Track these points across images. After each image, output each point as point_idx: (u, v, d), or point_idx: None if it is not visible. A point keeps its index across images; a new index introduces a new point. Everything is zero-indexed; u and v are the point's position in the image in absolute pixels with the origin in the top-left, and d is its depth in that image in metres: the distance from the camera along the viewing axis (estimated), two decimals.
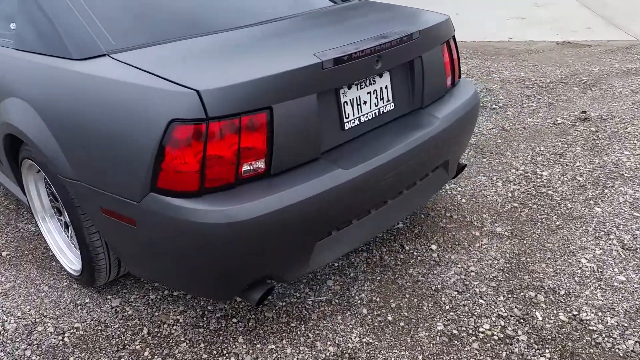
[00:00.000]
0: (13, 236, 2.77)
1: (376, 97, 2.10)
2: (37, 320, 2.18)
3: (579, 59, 5.34)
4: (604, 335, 2.01)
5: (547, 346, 1.97)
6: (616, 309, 2.12)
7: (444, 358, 1.94)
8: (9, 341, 2.08)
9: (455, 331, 2.06)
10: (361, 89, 2.04)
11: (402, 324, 2.11)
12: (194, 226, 1.64)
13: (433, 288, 2.29)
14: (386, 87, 2.14)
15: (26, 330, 2.13)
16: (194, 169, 1.63)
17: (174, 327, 2.12)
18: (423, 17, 2.41)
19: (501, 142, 3.62)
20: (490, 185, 3.08)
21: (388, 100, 2.16)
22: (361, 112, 2.05)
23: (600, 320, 2.07)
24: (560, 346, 1.97)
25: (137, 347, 2.03)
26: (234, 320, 2.15)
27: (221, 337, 2.07)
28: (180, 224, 1.65)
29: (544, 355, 1.93)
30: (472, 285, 2.29)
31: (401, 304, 2.20)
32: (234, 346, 2.03)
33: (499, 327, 2.07)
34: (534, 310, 2.14)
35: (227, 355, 1.99)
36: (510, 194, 2.97)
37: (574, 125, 3.82)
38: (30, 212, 2.65)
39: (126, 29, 1.98)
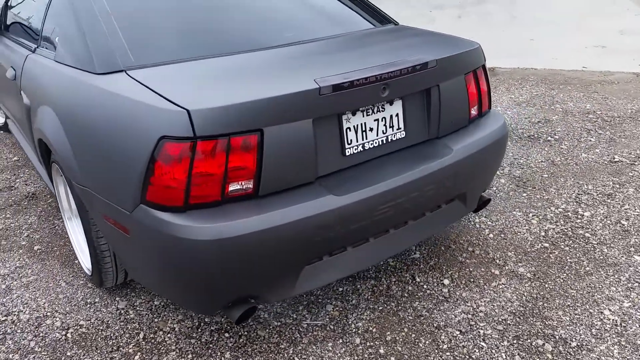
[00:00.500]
0: (48, 232, 2.96)
1: (385, 125, 2.07)
2: (48, 313, 2.31)
3: None
4: None
5: None
6: None
7: None
8: (19, 330, 2.22)
9: None
10: (367, 115, 2.01)
11: (392, 358, 2.04)
12: (178, 240, 1.68)
13: (435, 325, 2.20)
14: (397, 115, 2.10)
15: (36, 322, 2.27)
16: (181, 185, 1.68)
17: (169, 335, 2.18)
18: (451, 44, 2.34)
19: (547, 176, 3.43)
20: (524, 222, 2.92)
21: (398, 128, 2.11)
22: (366, 138, 2.02)
23: None
24: None
25: (130, 351, 2.10)
26: (227, 334, 2.18)
27: (210, 351, 2.10)
28: (165, 237, 1.70)
29: None
30: (477, 327, 2.18)
31: (397, 338, 2.14)
32: None
33: None
34: None
35: None
36: (543, 233, 2.80)
37: (633, 164, 3.55)
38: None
39: (148, 47, 2.09)
